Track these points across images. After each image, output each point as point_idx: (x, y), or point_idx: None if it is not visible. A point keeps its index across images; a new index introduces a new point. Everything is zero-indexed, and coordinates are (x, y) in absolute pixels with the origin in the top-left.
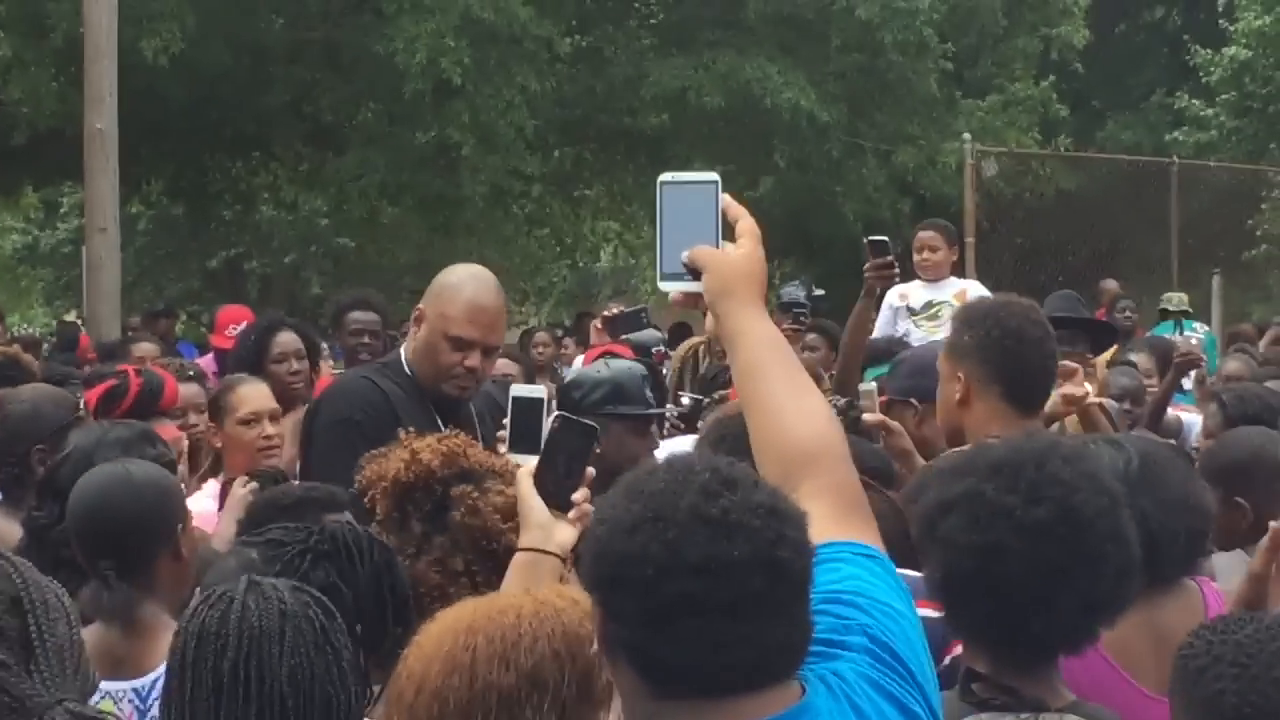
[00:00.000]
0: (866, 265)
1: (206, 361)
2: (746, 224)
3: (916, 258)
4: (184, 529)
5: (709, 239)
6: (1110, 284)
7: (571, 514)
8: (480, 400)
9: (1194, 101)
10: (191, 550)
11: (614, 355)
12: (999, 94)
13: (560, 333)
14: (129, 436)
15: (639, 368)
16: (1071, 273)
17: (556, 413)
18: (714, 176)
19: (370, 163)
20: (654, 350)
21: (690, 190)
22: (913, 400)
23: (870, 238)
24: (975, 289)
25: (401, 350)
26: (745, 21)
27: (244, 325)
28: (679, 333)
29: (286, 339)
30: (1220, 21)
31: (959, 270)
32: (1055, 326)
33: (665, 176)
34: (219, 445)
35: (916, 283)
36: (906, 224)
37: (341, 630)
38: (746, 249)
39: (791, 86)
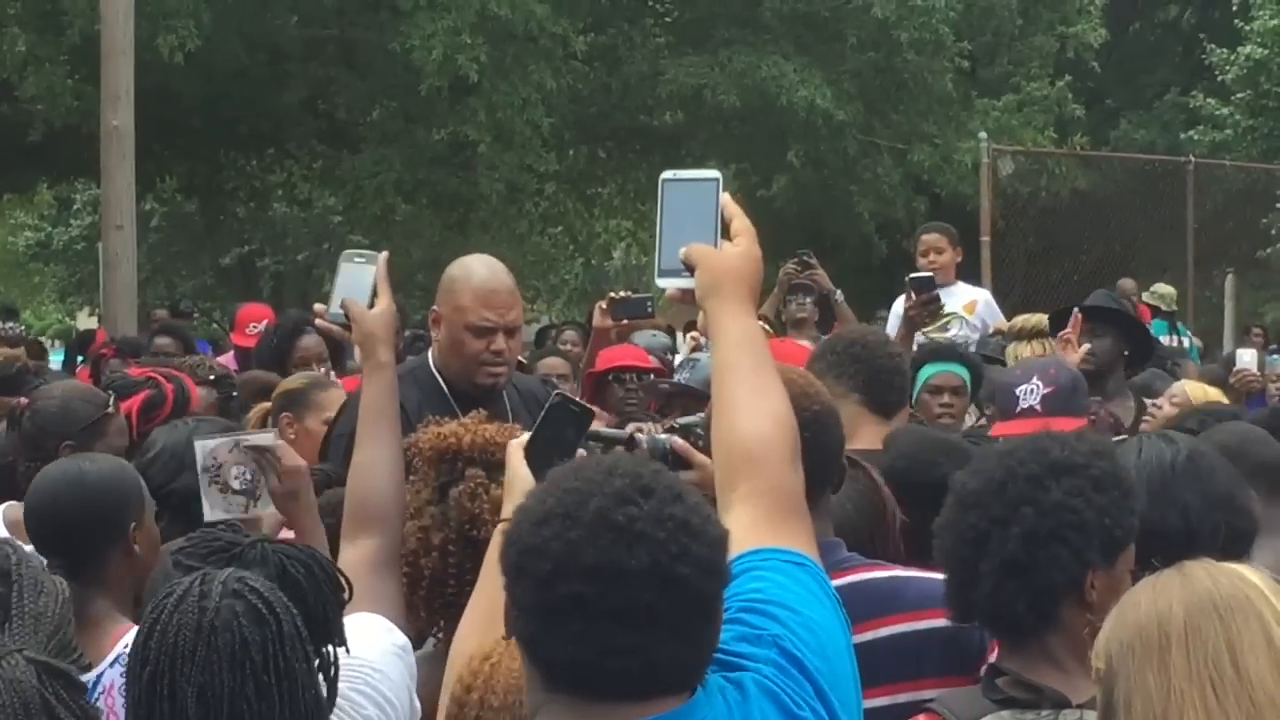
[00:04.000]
0: (910, 303)
1: (227, 359)
2: (741, 223)
3: (922, 261)
4: (139, 526)
5: (708, 235)
6: (1128, 283)
7: None
8: (518, 395)
9: (1209, 100)
10: (150, 545)
11: (624, 370)
12: (1014, 93)
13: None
14: (215, 433)
15: None
16: (1085, 272)
17: (555, 392)
18: (715, 174)
19: (386, 160)
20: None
21: (691, 187)
22: None
23: (912, 275)
24: (984, 299)
25: (429, 355)
26: (761, 19)
27: (264, 324)
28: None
29: (309, 343)
30: (1235, 21)
31: (970, 270)
32: (1087, 318)
33: (667, 174)
34: (291, 436)
35: None
36: (921, 223)
37: (273, 639)
38: (741, 248)
39: (807, 85)
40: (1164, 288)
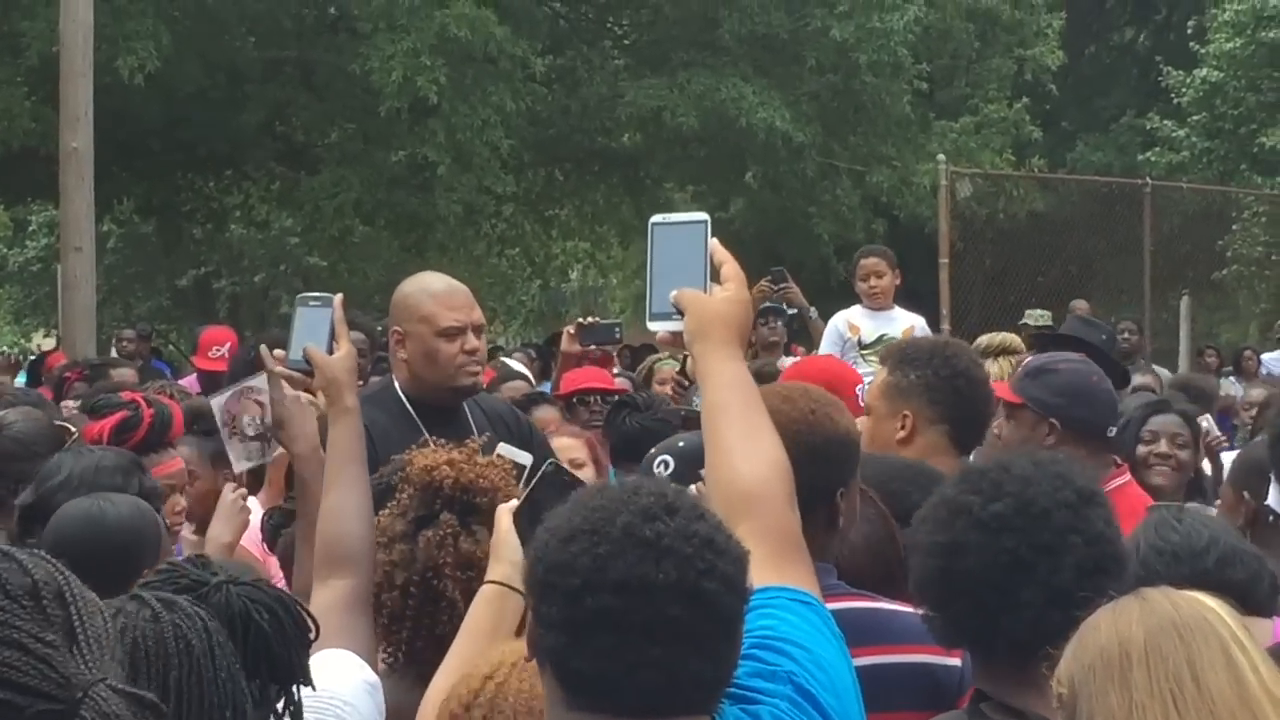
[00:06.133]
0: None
1: (189, 382)
2: (731, 268)
3: (862, 285)
4: (154, 567)
5: (697, 278)
6: (1080, 304)
7: None
8: (482, 413)
9: (1165, 122)
10: None
11: (589, 391)
12: (972, 115)
13: (534, 353)
14: (124, 465)
15: None
16: (1042, 293)
17: (550, 460)
18: (703, 216)
19: (345, 181)
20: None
21: (680, 231)
22: (1054, 421)
23: (772, 269)
24: (921, 325)
25: (392, 378)
26: (720, 42)
27: (228, 346)
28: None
29: None
30: (1191, 44)
31: (929, 292)
32: (1062, 347)
33: (656, 218)
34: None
35: (859, 310)
36: (881, 245)
37: (180, 653)
38: (729, 293)
39: (766, 107)
40: (1039, 311)
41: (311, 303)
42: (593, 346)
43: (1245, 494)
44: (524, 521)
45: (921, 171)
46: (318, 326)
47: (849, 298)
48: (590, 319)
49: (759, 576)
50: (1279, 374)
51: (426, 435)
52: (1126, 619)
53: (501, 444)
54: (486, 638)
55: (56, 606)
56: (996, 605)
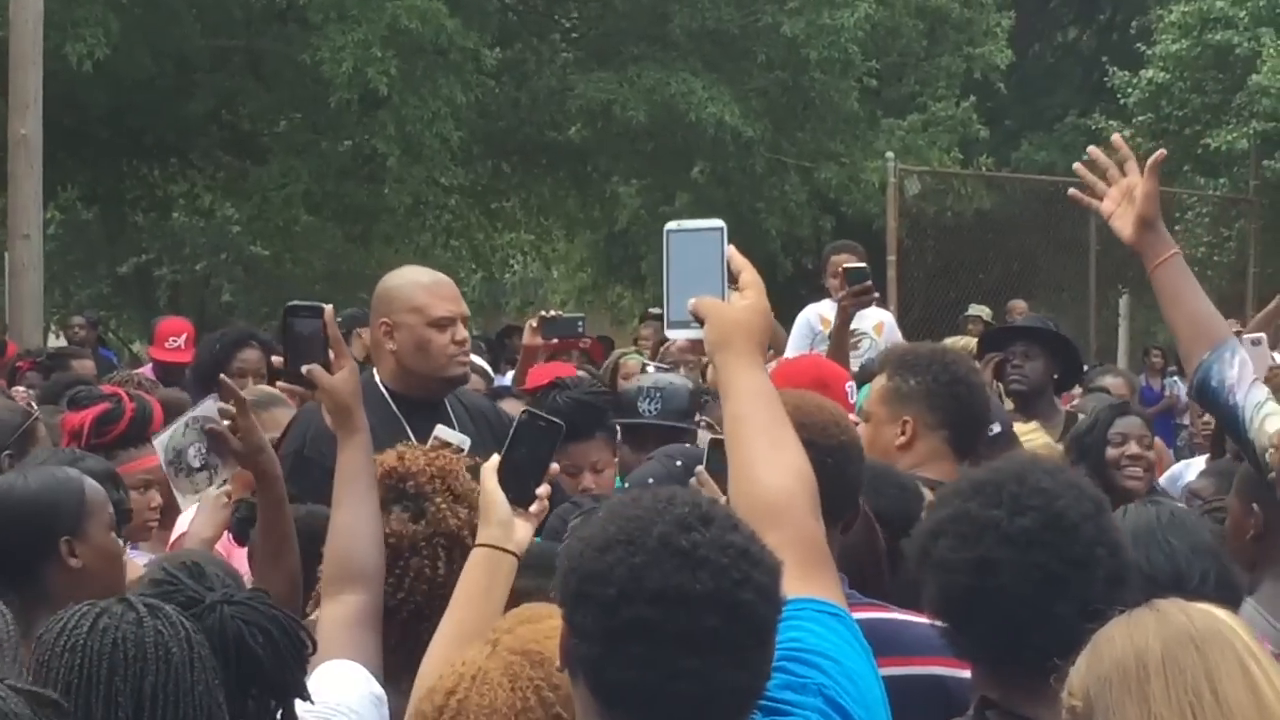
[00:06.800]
0: (844, 293)
1: (145, 373)
2: (749, 276)
3: (833, 281)
4: (76, 537)
5: (714, 285)
6: (1018, 304)
7: (533, 508)
8: (463, 408)
9: (1111, 123)
10: (99, 556)
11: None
12: (920, 113)
13: (484, 346)
14: (100, 472)
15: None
16: (984, 290)
17: (523, 408)
18: (719, 223)
19: (294, 171)
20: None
21: (695, 238)
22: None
23: (847, 265)
24: (890, 321)
25: (374, 373)
26: (670, 36)
27: (184, 336)
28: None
29: (250, 355)
30: (1137, 44)
31: (875, 289)
32: (1017, 337)
33: (671, 225)
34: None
35: (829, 304)
36: (828, 241)
37: (159, 659)
38: (749, 301)
39: (716, 102)
40: (980, 308)
41: (302, 313)
42: (555, 340)
43: (1255, 505)
44: (508, 476)
45: (870, 169)
46: (311, 341)
47: (794, 293)
48: (553, 313)
49: (786, 588)
50: None
51: (409, 430)
52: (1142, 631)
53: (439, 426)
54: (480, 602)
55: None
56: (1028, 620)
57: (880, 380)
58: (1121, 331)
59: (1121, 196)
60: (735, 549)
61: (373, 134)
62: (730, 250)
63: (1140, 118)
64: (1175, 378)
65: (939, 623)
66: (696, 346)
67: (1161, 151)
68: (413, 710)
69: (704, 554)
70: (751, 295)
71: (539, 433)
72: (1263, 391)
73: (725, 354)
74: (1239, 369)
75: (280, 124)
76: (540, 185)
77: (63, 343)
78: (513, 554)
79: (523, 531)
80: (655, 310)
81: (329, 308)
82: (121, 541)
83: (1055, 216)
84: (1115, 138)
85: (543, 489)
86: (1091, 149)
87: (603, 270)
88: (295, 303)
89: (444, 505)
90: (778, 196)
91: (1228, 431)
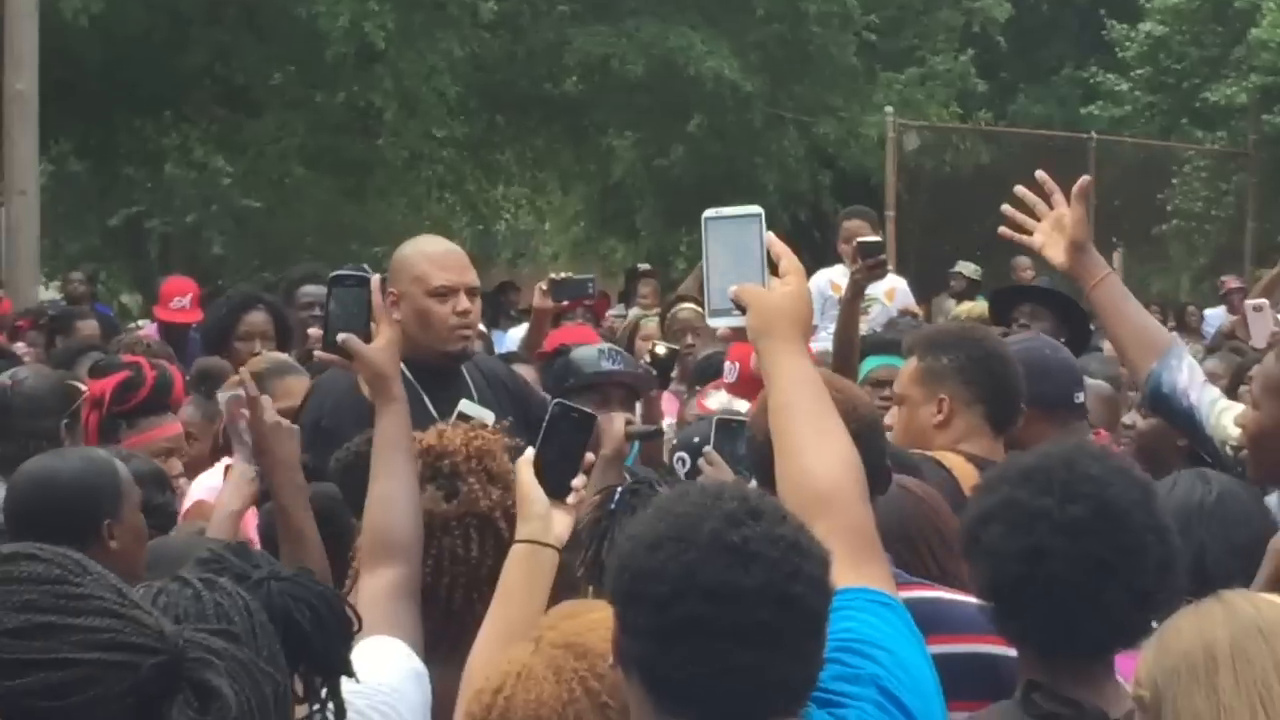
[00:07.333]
0: (857, 267)
1: (150, 332)
2: (790, 262)
3: (846, 247)
4: (115, 520)
5: (754, 272)
6: (1023, 260)
7: (570, 499)
8: (480, 375)
9: (1109, 76)
10: (130, 538)
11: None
12: (918, 67)
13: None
14: (147, 473)
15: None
16: (980, 244)
17: (554, 400)
18: (757, 210)
19: (290, 125)
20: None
21: (734, 225)
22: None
23: (862, 240)
24: (901, 287)
25: None
26: None
27: (189, 296)
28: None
29: (256, 319)
30: None
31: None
32: (1025, 298)
33: (709, 213)
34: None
35: (841, 270)
36: (826, 196)
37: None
38: (791, 287)
39: (715, 56)
40: (966, 264)
41: (347, 281)
42: (565, 302)
43: None
44: (545, 469)
45: (868, 123)
46: (354, 307)
47: (793, 247)
48: (562, 275)
49: (837, 577)
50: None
51: (426, 400)
52: (1210, 622)
53: (463, 401)
54: (523, 598)
55: (105, 576)
56: (1077, 607)
57: (911, 362)
58: None
59: (1051, 228)
60: (785, 542)
61: (369, 88)
62: (770, 237)
63: (1138, 71)
64: (1174, 333)
65: (987, 606)
66: (738, 333)
67: (1087, 178)
68: (463, 712)
69: (755, 548)
70: (794, 282)
71: (572, 424)
72: (1214, 390)
73: (769, 341)
74: (1188, 372)
75: (275, 78)
76: (535, 138)
77: (54, 295)
78: (553, 548)
79: (561, 524)
80: (644, 266)
81: (376, 277)
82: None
83: (1051, 171)
84: (1039, 174)
85: (578, 480)
86: (1039, 173)
87: (596, 224)
88: (340, 271)
89: (477, 485)
90: (775, 151)
91: (1186, 433)
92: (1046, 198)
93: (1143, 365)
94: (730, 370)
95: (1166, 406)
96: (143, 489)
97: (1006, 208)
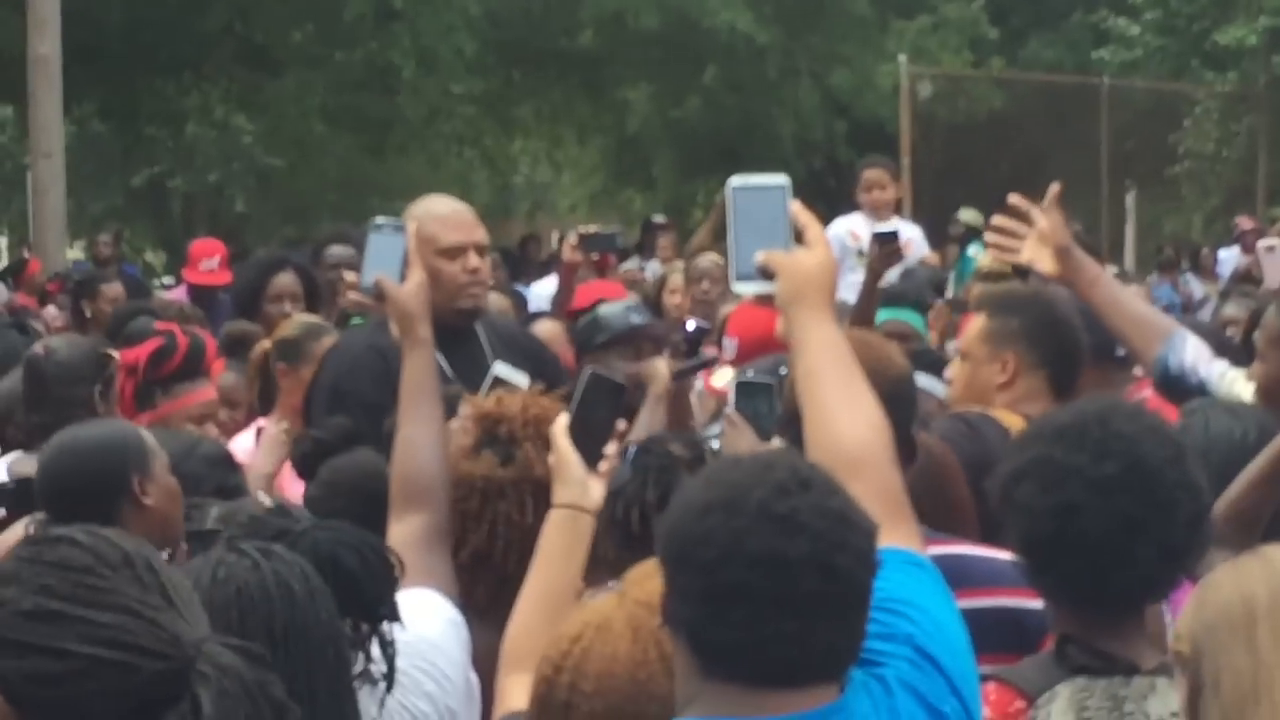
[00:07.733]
0: (874, 257)
1: (179, 294)
2: (816, 231)
3: (865, 196)
4: (145, 477)
5: (780, 240)
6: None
7: (602, 467)
8: (495, 335)
9: (1119, 20)
10: (164, 495)
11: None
12: (930, 14)
13: (498, 257)
14: (215, 455)
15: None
16: (993, 189)
17: (588, 368)
18: (783, 179)
19: (309, 85)
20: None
21: (760, 194)
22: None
23: (877, 230)
24: (918, 237)
25: None
26: None
27: (217, 259)
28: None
29: (285, 280)
30: None
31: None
32: None
33: (735, 181)
34: (284, 384)
35: (860, 219)
36: (841, 145)
37: (281, 600)
38: (818, 256)
39: (729, 9)
40: (969, 211)
41: (386, 229)
42: (594, 255)
43: None
44: (579, 435)
45: (881, 72)
46: (390, 252)
47: (809, 197)
48: (591, 229)
49: None
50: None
51: (440, 359)
52: (1249, 578)
53: (497, 363)
54: (562, 562)
55: (149, 573)
56: (1109, 563)
57: (980, 320)
58: (1129, 227)
59: (1035, 242)
60: (833, 513)
61: (387, 46)
62: (795, 206)
63: (1148, 14)
64: (1189, 273)
65: (1021, 561)
66: (764, 299)
67: (1058, 185)
68: (540, 656)
69: (803, 519)
70: (820, 250)
71: (605, 392)
72: (1222, 363)
73: (798, 308)
74: (1193, 350)
75: (295, 37)
76: (552, 93)
77: (80, 256)
78: (590, 513)
79: (596, 490)
80: (659, 219)
81: (413, 224)
82: None
83: (1063, 114)
84: (1012, 198)
85: (610, 448)
86: (1012, 198)
87: (613, 176)
88: (379, 219)
89: (533, 451)
90: (790, 101)
91: None
92: (1024, 217)
93: (1149, 352)
94: (729, 347)
95: (1176, 385)
96: (212, 471)
97: (990, 237)
